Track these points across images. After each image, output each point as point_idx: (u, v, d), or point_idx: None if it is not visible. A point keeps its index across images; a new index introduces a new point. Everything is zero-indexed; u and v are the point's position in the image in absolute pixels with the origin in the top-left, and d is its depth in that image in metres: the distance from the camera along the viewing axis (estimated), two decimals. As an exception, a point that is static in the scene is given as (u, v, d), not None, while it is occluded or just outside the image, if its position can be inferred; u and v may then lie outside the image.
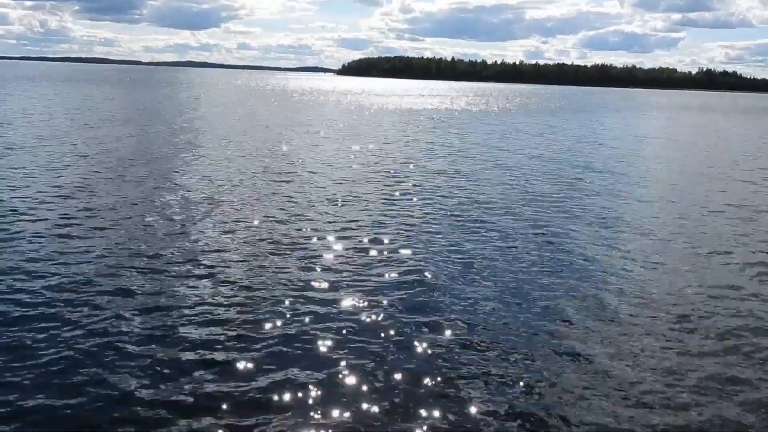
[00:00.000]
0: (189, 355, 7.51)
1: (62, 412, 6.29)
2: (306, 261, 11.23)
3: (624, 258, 12.26)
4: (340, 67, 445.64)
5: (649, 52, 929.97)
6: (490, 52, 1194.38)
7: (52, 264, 10.49)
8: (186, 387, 6.81)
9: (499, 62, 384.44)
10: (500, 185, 20.04)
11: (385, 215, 15.13)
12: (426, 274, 10.73)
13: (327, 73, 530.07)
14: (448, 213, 15.74)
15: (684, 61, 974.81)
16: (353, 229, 13.71)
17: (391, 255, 11.81)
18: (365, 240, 12.83)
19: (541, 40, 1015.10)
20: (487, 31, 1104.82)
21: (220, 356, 7.53)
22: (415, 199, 17.39)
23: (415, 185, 19.48)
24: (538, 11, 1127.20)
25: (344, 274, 10.61)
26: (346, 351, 7.75)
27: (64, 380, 6.85)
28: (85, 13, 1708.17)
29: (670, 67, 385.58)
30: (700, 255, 12.74)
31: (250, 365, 7.34)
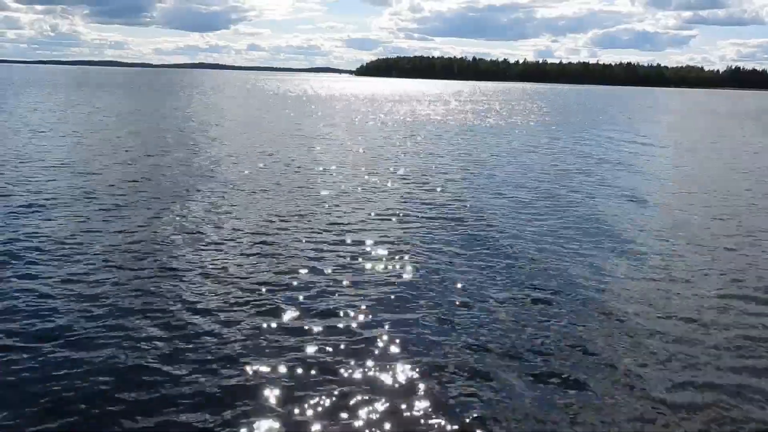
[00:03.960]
0: (196, 354, 7.50)
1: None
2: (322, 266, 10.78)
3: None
4: (358, 68, 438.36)
5: (660, 51, 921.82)
6: (500, 51, 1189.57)
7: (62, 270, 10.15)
8: (191, 385, 6.82)
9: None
10: None
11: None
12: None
13: (343, 74, 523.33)
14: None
15: (695, 59, 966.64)
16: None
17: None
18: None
19: (552, 39, 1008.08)
20: (497, 31, 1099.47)
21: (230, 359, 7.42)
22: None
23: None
24: (548, 10, 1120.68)
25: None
26: (354, 355, 7.63)
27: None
28: (95, 17, 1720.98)
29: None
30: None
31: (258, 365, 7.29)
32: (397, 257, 11.53)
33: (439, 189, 18.84)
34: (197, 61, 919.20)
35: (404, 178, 20.45)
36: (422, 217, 14.78)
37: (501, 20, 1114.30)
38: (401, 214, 15.04)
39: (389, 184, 19.24)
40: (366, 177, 20.42)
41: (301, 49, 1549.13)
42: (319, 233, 12.93)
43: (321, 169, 21.86)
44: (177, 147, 25.98)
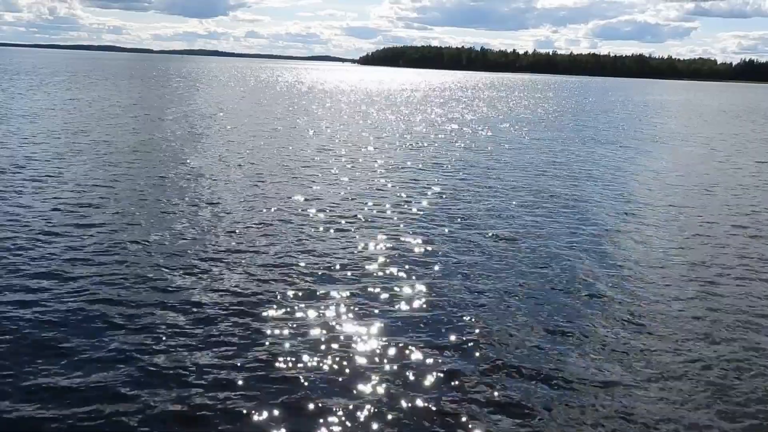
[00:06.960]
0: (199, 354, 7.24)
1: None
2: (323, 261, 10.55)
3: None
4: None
5: (660, 42, 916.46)
6: (500, 41, 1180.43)
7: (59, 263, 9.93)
8: (189, 390, 6.54)
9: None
10: None
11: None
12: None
13: (345, 63, 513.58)
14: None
15: (696, 51, 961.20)
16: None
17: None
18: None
19: (552, 29, 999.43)
20: (497, 21, 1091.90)
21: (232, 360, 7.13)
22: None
23: None
24: (549, 0, 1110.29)
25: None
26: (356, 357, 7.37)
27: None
28: (93, 1, 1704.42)
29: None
30: None
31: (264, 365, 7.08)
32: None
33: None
34: (196, 48, 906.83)
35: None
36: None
37: (501, 10, 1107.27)
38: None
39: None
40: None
41: (300, 36, 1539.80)
42: (334, 227, 12.54)
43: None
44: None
